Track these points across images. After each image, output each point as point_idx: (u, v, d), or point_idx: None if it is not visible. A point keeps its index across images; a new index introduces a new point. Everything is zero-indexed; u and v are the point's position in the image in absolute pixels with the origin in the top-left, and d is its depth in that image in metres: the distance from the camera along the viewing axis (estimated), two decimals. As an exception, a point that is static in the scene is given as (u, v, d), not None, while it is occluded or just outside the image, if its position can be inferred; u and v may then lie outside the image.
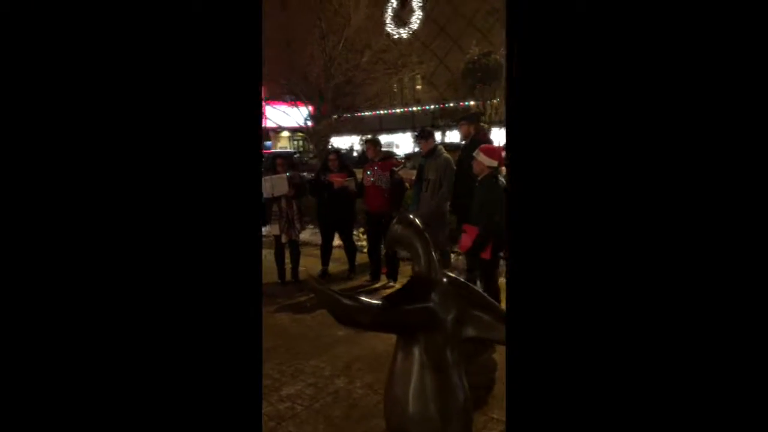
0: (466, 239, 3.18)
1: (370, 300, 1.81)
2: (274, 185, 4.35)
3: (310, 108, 10.33)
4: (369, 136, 5.41)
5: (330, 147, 9.60)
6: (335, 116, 10.38)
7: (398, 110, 21.63)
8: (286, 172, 4.57)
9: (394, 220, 2.08)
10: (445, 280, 1.96)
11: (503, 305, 3.24)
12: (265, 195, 4.35)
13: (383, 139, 23.06)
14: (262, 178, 4.41)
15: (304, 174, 5.23)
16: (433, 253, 1.97)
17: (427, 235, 2.02)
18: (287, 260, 4.75)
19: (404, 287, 1.93)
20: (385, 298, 1.84)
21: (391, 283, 4.50)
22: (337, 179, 4.47)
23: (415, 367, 1.83)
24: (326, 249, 4.88)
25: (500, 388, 2.57)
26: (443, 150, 4.38)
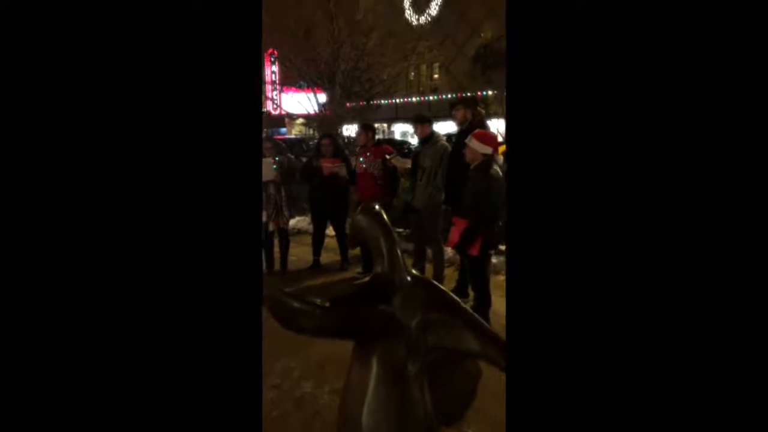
0: (455, 233, 2.91)
1: (321, 302, 1.58)
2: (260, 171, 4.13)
3: (322, 94, 10.05)
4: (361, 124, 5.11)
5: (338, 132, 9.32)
6: (348, 104, 10.08)
7: (414, 99, 21.27)
8: (274, 157, 4.34)
9: (357, 210, 1.84)
10: (410, 279, 1.71)
11: (497, 306, 2.99)
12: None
13: (399, 128, 22.97)
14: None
15: (294, 158, 4.97)
16: (398, 250, 1.72)
17: (392, 229, 1.77)
18: (276, 249, 4.55)
19: (362, 288, 1.68)
20: (338, 300, 1.60)
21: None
22: (326, 165, 4.23)
23: (371, 379, 1.60)
24: (318, 238, 4.66)
25: (482, 401, 2.32)
26: (441, 136, 4.10)
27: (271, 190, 4.31)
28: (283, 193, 4.36)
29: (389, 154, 4.17)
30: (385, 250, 1.71)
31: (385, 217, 1.78)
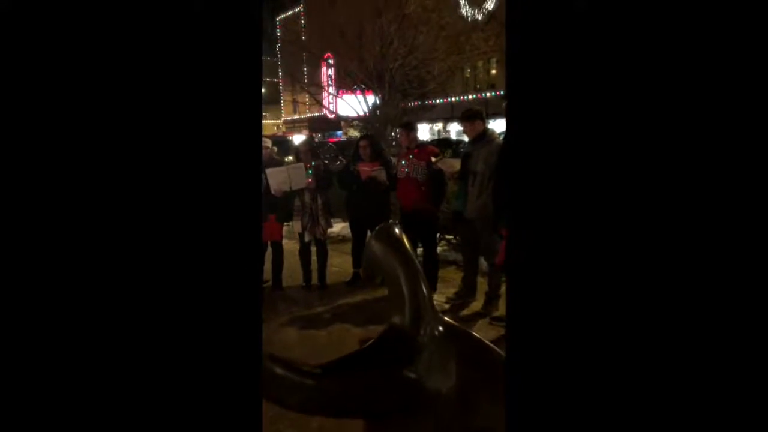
0: (502, 248, 2.38)
1: (310, 368, 1.15)
2: (292, 177, 3.78)
3: (372, 96, 9.72)
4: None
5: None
6: (402, 105, 9.69)
7: (471, 96, 20.52)
8: (310, 162, 3.98)
9: (373, 233, 1.39)
10: (441, 330, 1.24)
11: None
12: (280, 188, 3.80)
13: (455, 127, 22.32)
14: (279, 169, 3.86)
15: (341, 160, 4.58)
16: (424, 287, 1.25)
17: (416, 260, 1.30)
18: (314, 261, 4.19)
19: (371, 346, 1.22)
20: (334, 365, 1.16)
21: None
22: (364, 169, 3.81)
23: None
24: (358, 249, 4.25)
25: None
26: (496, 135, 3.56)
27: (306, 198, 3.96)
28: (319, 201, 4.00)
29: (435, 156, 3.69)
30: (406, 290, 1.24)
31: (406, 243, 1.31)
